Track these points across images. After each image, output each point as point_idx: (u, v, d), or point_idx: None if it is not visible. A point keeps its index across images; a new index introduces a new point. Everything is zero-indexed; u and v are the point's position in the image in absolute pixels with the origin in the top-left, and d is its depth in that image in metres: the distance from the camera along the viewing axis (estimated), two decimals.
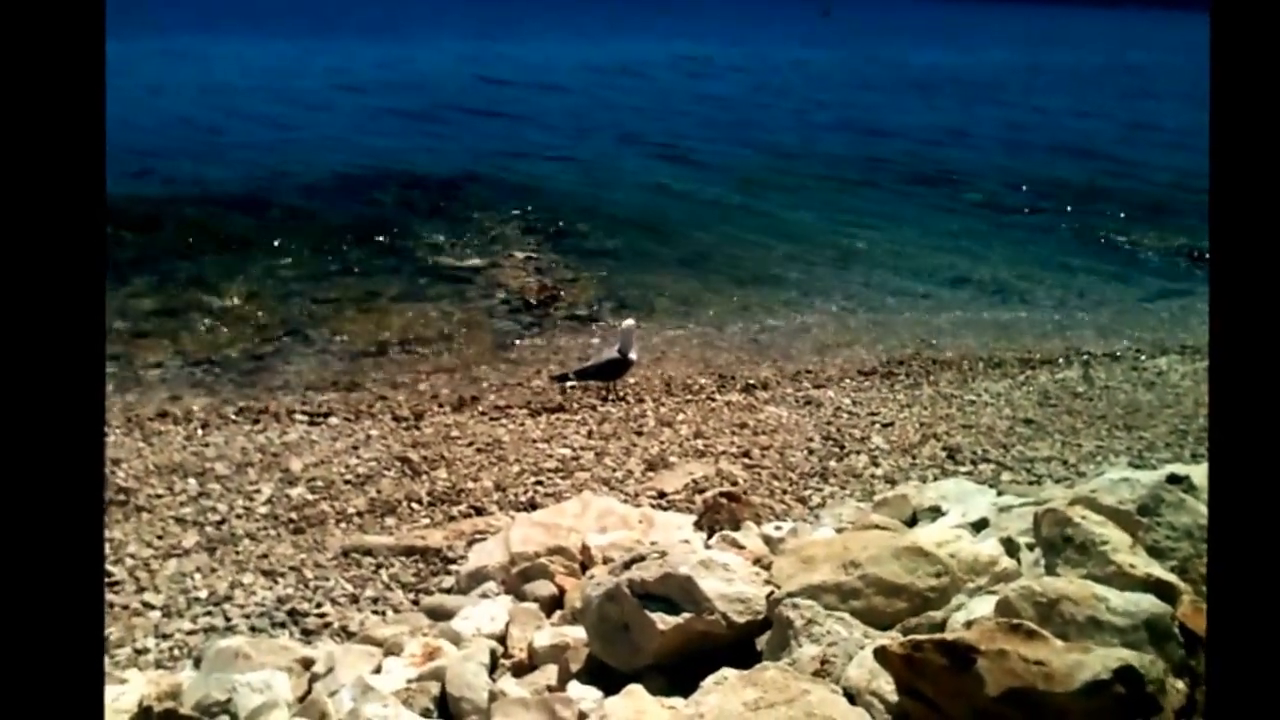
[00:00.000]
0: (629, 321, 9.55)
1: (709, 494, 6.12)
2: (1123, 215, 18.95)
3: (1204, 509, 3.32)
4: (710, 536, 5.31)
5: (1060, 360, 10.73)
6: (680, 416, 8.69)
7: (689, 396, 9.36)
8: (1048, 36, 79.28)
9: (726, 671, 3.09)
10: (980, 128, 30.06)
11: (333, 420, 8.65)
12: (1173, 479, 3.58)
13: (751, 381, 9.77)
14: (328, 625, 5.35)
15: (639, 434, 8.27)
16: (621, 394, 9.31)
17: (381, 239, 15.04)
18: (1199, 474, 3.72)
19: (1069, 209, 19.53)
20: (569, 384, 9.34)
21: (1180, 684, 2.59)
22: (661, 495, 6.96)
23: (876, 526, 4.38)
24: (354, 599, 5.64)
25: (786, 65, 49.73)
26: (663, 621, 3.49)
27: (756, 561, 4.11)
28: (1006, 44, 70.75)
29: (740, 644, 3.50)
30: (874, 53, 59.70)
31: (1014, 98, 39.27)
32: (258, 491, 7.02)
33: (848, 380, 9.93)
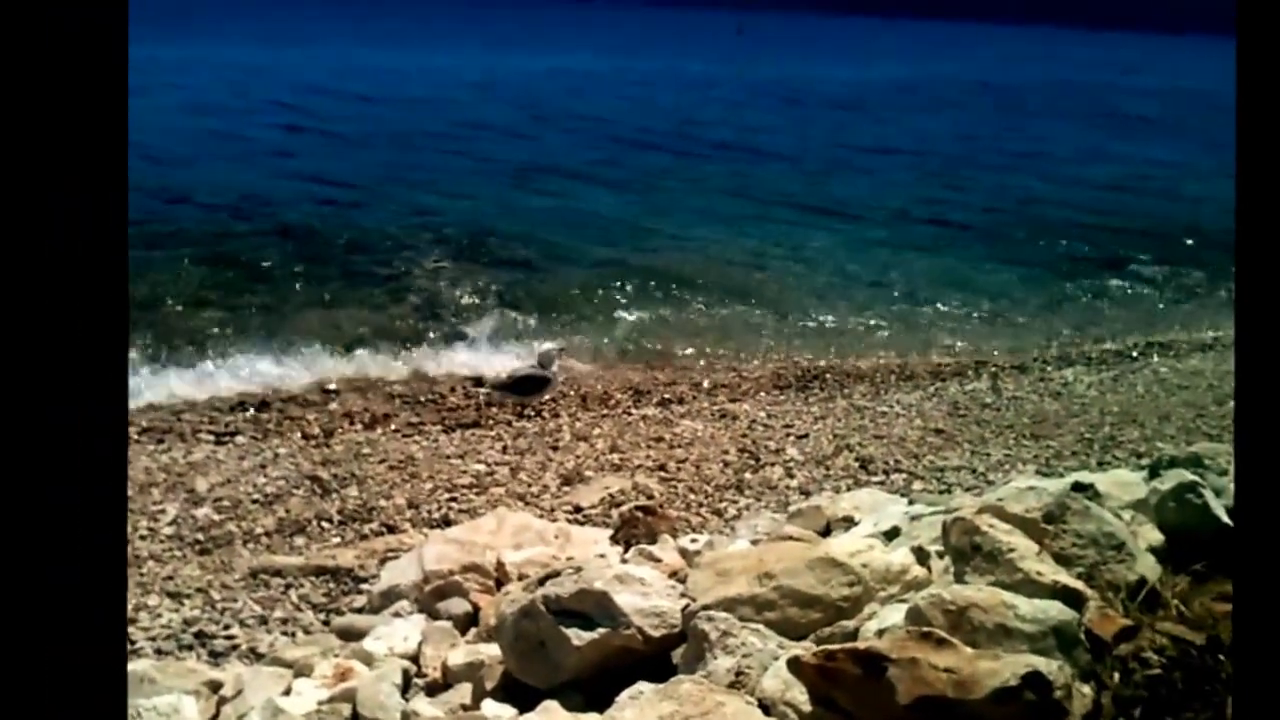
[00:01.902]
0: (550, 344, 9.55)
1: (625, 508, 6.10)
2: (1025, 230, 19.30)
3: (1109, 516, 3.37)
4: (627, 550, 5.30)
5: (969, 372, 10.91)
6: (596, 431, 8.67)
7: (605, 411, 9.36)
8: (953, 51, 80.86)
9: (642, 686, 3.08)
10: (881, 145, 30.40)
11: (240, 439, 8.50)
12: (1078, 486, 3.63)
13: (667, 396, 9.80)
14: (236, 647, 5.24)
15: (555, 449, 8.24)
16: (537, 409, 9.27)
17: (287, 258, 14.72)
18: (1104, 481, 3.79)
19: (971, 225, 19.83)
20: (483, 400, 9.28)
21: (1087, 689, 2.63)
22: (578, 510, 6.93)
23: (791, 538, 4.40)
24: (263, 620, 5.53)
25: (690, 82, 49.97)
26: (579, 638, 3.46)
27: (673, 575, 4.10)
28: (910, 59, 71.91)
29: (657, 658, 3.48)
30: (781, 71, 60.22)
31: (911, 114, 39.74)
32: (162, 512, 6.87)
33: (763, 394, 9.99)
